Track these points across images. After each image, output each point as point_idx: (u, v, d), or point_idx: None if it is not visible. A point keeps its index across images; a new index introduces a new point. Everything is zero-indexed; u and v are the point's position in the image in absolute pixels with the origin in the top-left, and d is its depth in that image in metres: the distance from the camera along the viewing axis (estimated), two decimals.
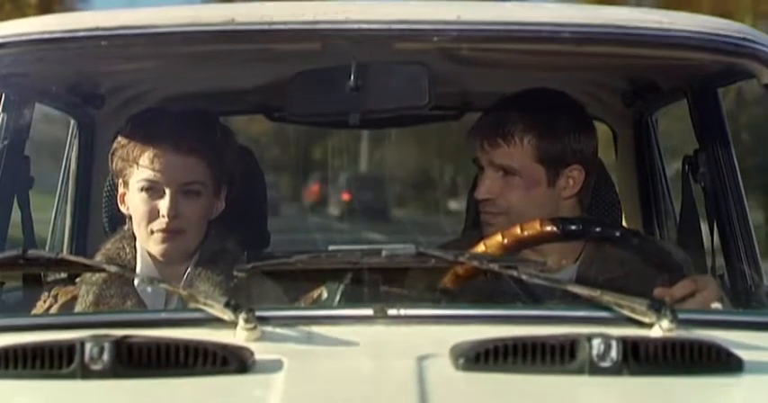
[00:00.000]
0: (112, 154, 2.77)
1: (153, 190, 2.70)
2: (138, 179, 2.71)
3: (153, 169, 2.69)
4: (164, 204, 2.69)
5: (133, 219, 2.74)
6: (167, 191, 2.69)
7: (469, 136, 2.78)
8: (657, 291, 2.38)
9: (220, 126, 2.87)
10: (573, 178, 2.74)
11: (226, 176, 2.77)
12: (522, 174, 2.71)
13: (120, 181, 2.77)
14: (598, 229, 2.54)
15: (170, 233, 2.70)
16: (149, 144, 2.70)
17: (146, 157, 2.70)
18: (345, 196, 24.51)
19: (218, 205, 2.77)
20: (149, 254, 2.73)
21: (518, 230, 2.53)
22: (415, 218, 22.90)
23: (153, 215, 2.69)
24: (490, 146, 2.72)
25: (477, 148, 2.76)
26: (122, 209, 2.78)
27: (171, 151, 2.70)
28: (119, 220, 2.85)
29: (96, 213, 3.23)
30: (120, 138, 2.76)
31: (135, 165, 2.71)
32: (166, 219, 2.68)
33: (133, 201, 2.73)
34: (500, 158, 2.71)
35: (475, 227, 2.98)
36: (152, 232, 2.70)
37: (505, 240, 2.52)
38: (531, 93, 2.77)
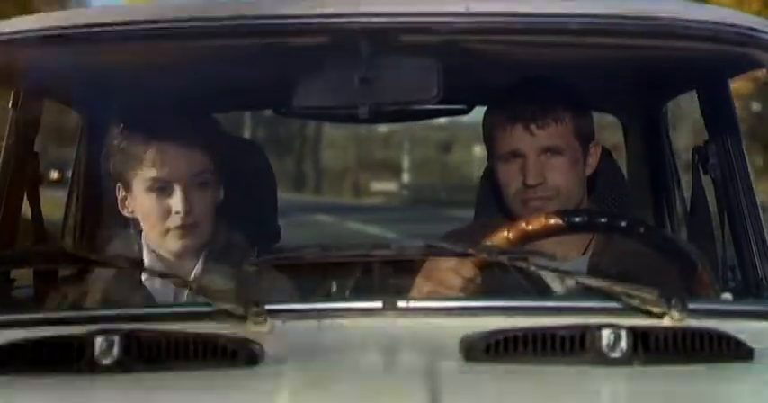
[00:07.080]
0: (108, 158, 2.74)
1: (162, 188, 2.67)
2: (144, 179, 2.68)
3: (159, 167, 2.67)
4: (176, 201, 2.67)
5: (142, 222, 2.72)
6: (177, 187, 2.67)
7: (506, 127, 2.77)
8: None
9: (209, 116, 2.88)
10: (595, 155, 2.84)
11: (224, 165, 2.76)
12: (567, 152, 2.75)
13: (120, 184, 2.74)
14: (604, 220, 2.54)
15: (186, 229, 2.69)
16: (150, 142, 2.68)
17: (149, 156, 2.67)
18: None
19: (220, 196, 2.76)
20: (158, 252, 2.72)
21: (524, 224, 2.53)
22: None
23: (166, 213, 2.67)
24: (539, 128, 2.73)
25: (516, 137, 2.75)
26: (125, 213, 2.75)
27: (174, 146, 2.68)
28: (126, 218, 2.83)
29: (106, 210, 3.23)
30: (115, 142, 2.73)
31: (138, 166, 2.68)
32: (181, 215, 2.66)
33: (140, 203, 2.70)
34: (548, 138, 2.74)
35: (488, 214, 2.99)
36: (167, 231, 2.68)
37: (510, 235, 2.51)
38: (539, 79, 2.80)
